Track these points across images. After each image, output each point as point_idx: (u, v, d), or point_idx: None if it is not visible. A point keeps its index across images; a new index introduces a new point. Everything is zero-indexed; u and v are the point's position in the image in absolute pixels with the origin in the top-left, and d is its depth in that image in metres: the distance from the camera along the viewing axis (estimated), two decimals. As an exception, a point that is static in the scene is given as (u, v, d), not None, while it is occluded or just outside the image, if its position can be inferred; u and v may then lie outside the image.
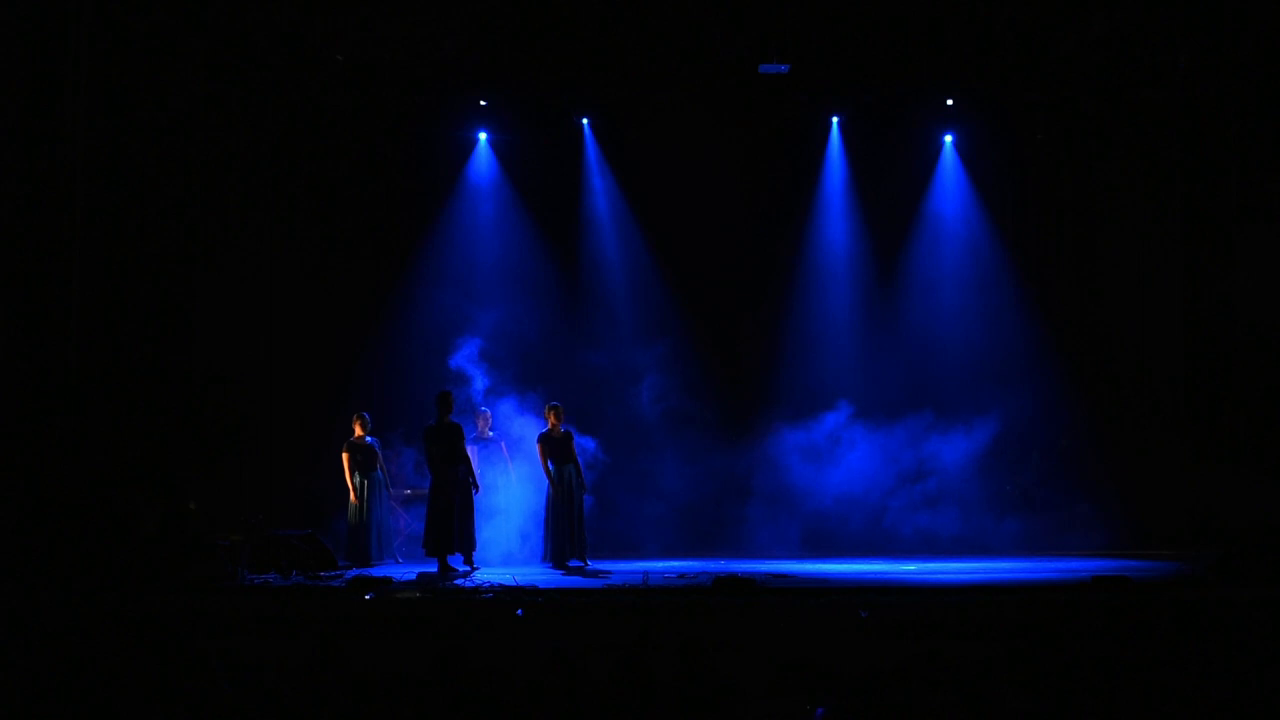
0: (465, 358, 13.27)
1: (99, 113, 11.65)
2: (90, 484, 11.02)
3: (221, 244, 13.57)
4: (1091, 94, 14.24)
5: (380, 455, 12.55)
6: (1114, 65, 13.75)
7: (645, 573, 11.38)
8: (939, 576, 11.02)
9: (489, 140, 14.97)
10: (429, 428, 11.65)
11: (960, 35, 13.30)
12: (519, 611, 8.82)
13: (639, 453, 13.93)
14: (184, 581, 10.00)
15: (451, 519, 11.42)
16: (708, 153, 14.32)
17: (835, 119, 15.02)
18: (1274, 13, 12.53)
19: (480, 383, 13.15)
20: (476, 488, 11.73)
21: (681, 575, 11.16)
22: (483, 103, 14.57)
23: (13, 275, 10.86)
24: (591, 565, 12.10)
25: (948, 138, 15.08)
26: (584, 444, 12.73)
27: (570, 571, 11.85)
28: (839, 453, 14.08)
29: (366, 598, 9.60)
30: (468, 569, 11.47)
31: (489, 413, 13.02)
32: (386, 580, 10.32)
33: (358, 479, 12.35)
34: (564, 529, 12.14)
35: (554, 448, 12.19)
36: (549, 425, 12.27)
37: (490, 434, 12.93)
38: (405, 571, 11.40)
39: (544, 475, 12.19)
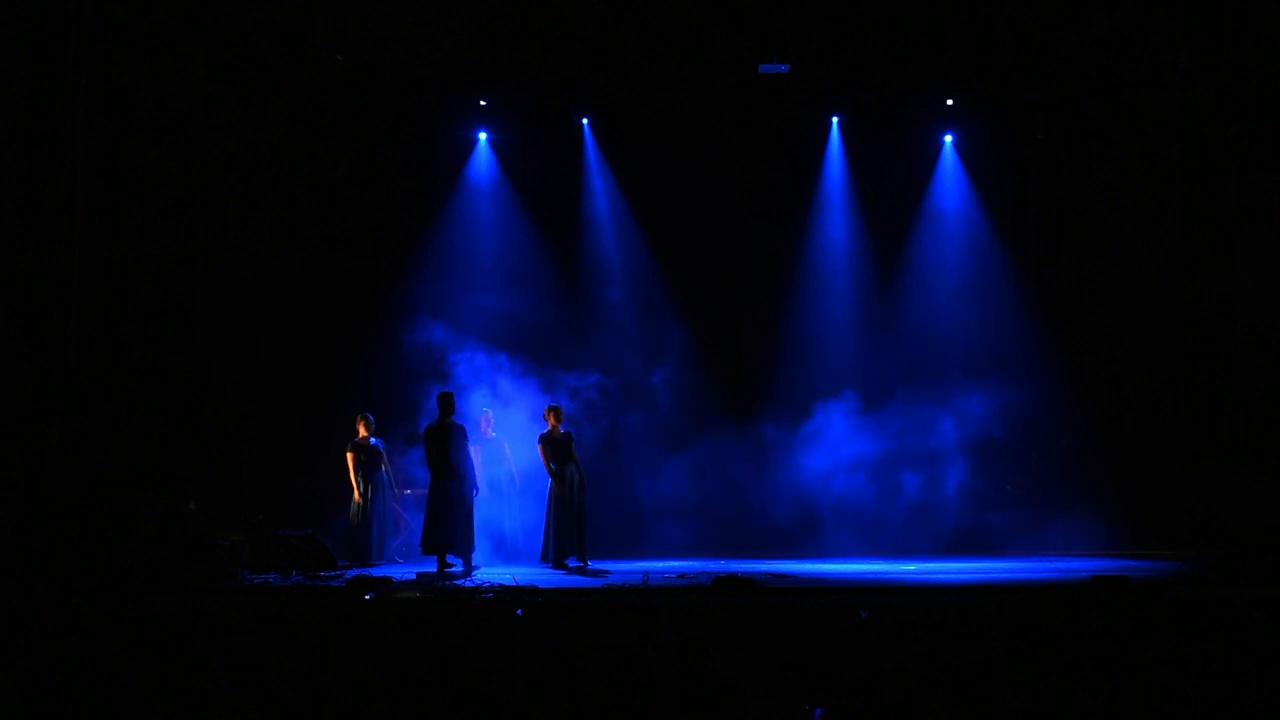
0: (464, 358, 13.28)
1: (99, 113, 11.65)
2: (90, 484, 11.02)
3: (221, 244, 13.57)
4: (1091, 94, 14.23)
5: (384, 456, 12.60)
6: (1114, 65, 13.75)
7: (645, 573, 11.39)
8: (939, 576, 11.02)
9: (489, 140, 14.96)
10: (430, 427, 11.67)
11: (960, 35, 13.29)
12: (519, 611, 8.82)
13: (639, 452, 13.92)
14: (184, 581, 10.01)
15: (450, 519, 11.43)
16: (708, 153, 14.31)
17: (835, 119, 15.01)
18: (1274, 13, 12.53)
19: (481, 382, 13.15)
20: (476, 489, 11.74)
21: (681, 575, 11.17)
22: (483, 103, 14.56)
23: (13, 275, 10.86)
24: (591, 565, 12.11)
25: (948, 138, 15.08)
26: (584, 443, 12.74)
27: (570, 571, 11.86)
28: (839, 452, 14.07)
29: (366, 598, 9.60)
30: (464, 569, 11.46)
31: (491, 413, 13.04)
32: (386, 580, 10.32)
33: (361, 479, 12.39)
34: (565, 529, 12.16)
35: (555, 448, 12.21)
36: (549, 426, 12.30)
37: (493, 434, 12.95)
38: (405, 571, 11.40)
39: (545, 475, 12.21)
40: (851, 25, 13.20)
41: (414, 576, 11.04)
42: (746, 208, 14.79)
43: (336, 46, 13.31)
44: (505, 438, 12.95)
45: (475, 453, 12.14)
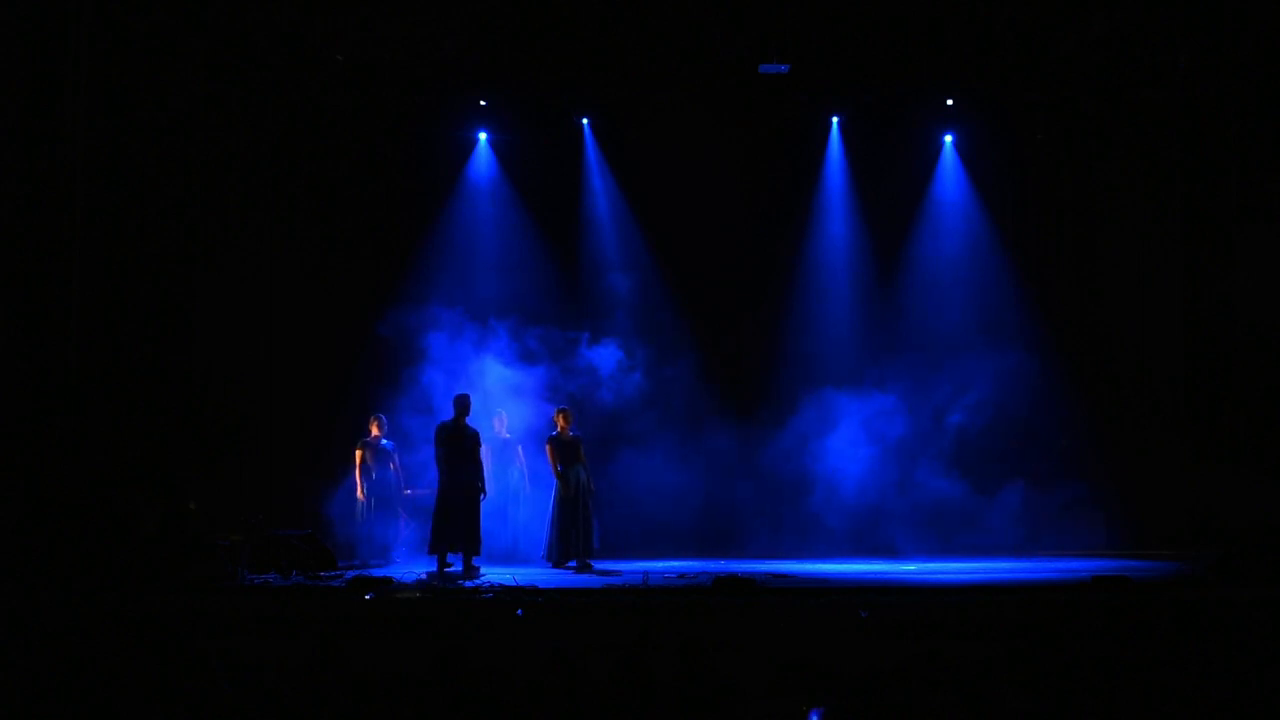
0: (464, 357, 13.28)
1: (99, 113, 11.64)
2: (90, 484, 11.02)
3: (221, 244, 13.57)
4: (1091, 94, 14.23)
5: (394, 457, 12.63)
6: (1114, 65, 13.75)
7: (645, 573, 11.39)
8: (939, 576, 11.02)
9: (489, 140, 14.96)
10: (443, 425, 11.63)
11: (960, 35, 13.29)
12: (519, 611, 8.82)
13: (638, 452, 13.91)
14: (184, 581, 10.00)
15: (455, 519, 11.40)
16: (708, 153, 14.31)
17: (835, 119, 15.01)
18: (1274, 13, 12.52)
19: (480, 383, 13.15)
20: (484, 493, 11.68)
21: (681, 575, 11.17)
22: (483, 103, 14.57)
23: (13, 275, 10.85)
24: (592, 565, 12.11)
25: (948, 138, 15.08)
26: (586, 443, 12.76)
27: (574, 570, 11.87)
28: (839, 453, 14.07)
29: (366, 598, 9.60)
30: (464, 569, 11.44)
31: (505, 413, 13.07)
32: (386, 580, 10.32)
33: (367, 479, 12.42)
34: (566, 530, 12.18)
35: (563, 450, 12.23)
36: (558, 428, 12.33)
37: (507, 435, 13.01)
38: (405, 571, 11.40)
39: (554, 476, 12.25)
40: (851, 25, 13.19)
41: (414, 578, 11.01)
42: (746, 208, 14.79)
43: (336, 46, 13.31)
44: (519, 439, 12.98)
45: (486, 452, 12.16)
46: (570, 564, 12.09)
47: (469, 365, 13.28)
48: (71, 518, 10.56)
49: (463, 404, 11.68)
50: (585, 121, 14.97)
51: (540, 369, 13.53)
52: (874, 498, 13.98)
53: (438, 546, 11.45)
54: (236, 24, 12.76)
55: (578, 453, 12.32)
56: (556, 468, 12.24)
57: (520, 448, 13.06)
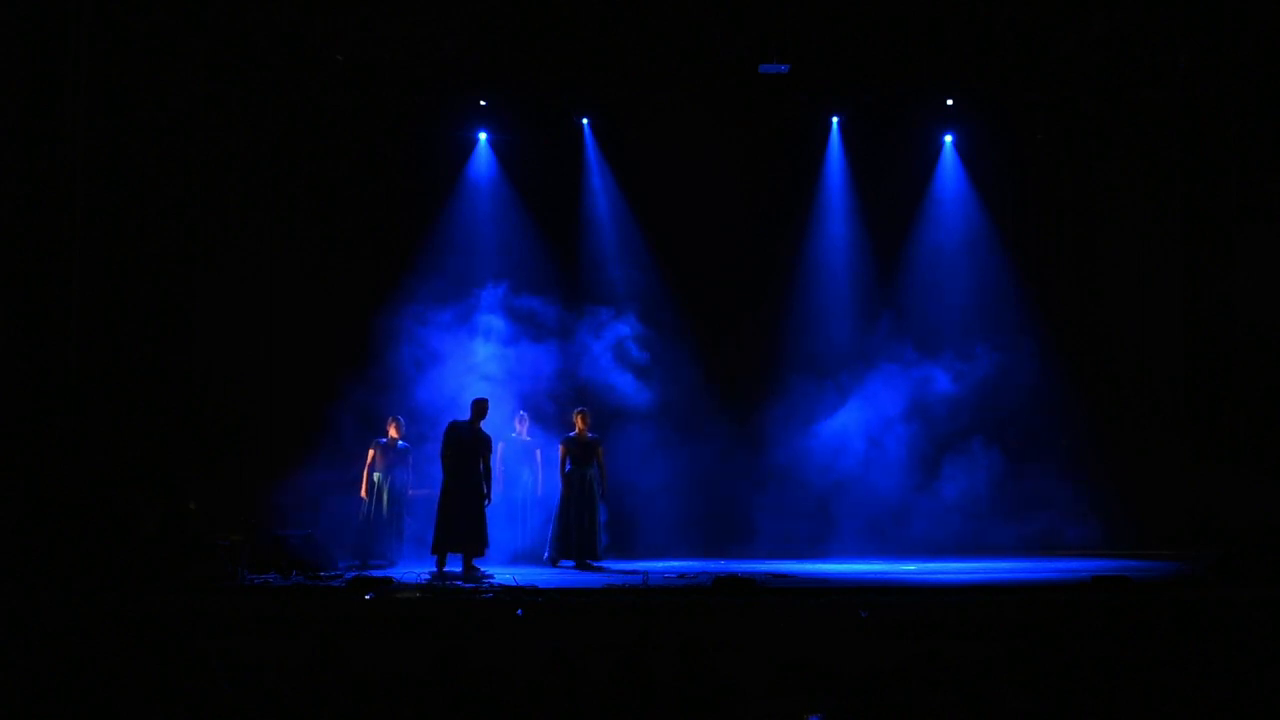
0: (464, 356, 13.28)
1: (99, 113, 11.64)
2: (90, 484, 11.02)
3: (221, 244, 13.57)
4: (1091, 94, 14.24)
5: (408, 460, 12.66)
6: (1114, 65, 13.75)
7: (645, 573, 11.38)
8: (939, 576, 11.02)
9: (489, 140, 14.97)
10: (454, 425, 11.54)
11: (960, 35, 13.30)
12: (519, 611, 8.82)
13: (638, 453, 13.91)
14: (184, 581, 9.99)
15: (457, 521, 11.35)
16: (708, 153, 14.31)
17: (835, 119, 15.02)
18: (1274, 13, 12.53)
19: (480, 382, 13.15)
20: (488, 499, 11.57)
21: (681, 575, 11.16)
22: (483, 103, 14.57)
23: (13, 275, 10.85)
24: (592, 565, 12.11)
25: (948, 138, 15.09)
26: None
27: (577, 568, 11.88)
28: (839, 453, 14.07)
29: (366, 598, 9.60)
30: (464, 570, 11.42)
31: (527, 416, 13.17)
32: (386, 580, 10.31)
33: (378, 478, 12.45)
34: (568, 529, 12.22)
35: (579, 450, 12.28)
36: (576, 429, 12.35)
37: (527, 438, 13.10)
38: (406, 571, 11.39)
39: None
40: (851, 25, 13.20)
41: (414, 578, 11.00)
42: (746, 208, 14.79)
43: (336, 46, 13.32)
44: (537, 443, 13.07)
45: (499, 452, 12.13)
46: (564, 563, 12.11)
47: (469, 365, 13.28)
48: (71, 518, 10.55)
49: (480, 408, 11.62)
50: (585, 121, 14.97)
51: (540, 368, 13.53)
52: (875, 498, 13.99)
53: (439, 547, 11.43)
54: (236, 24, 12.77)
55: (591, 454, 12.35)
56: (564, 468, 12.30)
57: (539, 451, 13.09)
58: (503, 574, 11.14)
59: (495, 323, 13.72)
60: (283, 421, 13.64)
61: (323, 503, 12.80)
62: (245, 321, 13.70)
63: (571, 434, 12.43)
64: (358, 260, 14.42)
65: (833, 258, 15.10)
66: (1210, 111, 13.61)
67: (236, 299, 13.61)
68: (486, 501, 11.53)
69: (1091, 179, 14.75)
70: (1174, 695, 5.61)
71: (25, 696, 5.72)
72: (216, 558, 10.46)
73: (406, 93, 14.18)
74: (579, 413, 12.50)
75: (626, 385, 13.98)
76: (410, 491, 13.07)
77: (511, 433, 13.04)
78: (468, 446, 11.42)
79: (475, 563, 11.46)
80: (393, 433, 12.69)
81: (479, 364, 13.40)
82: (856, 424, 14.14)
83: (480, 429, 11.56)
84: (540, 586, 10.08)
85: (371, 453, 12.60)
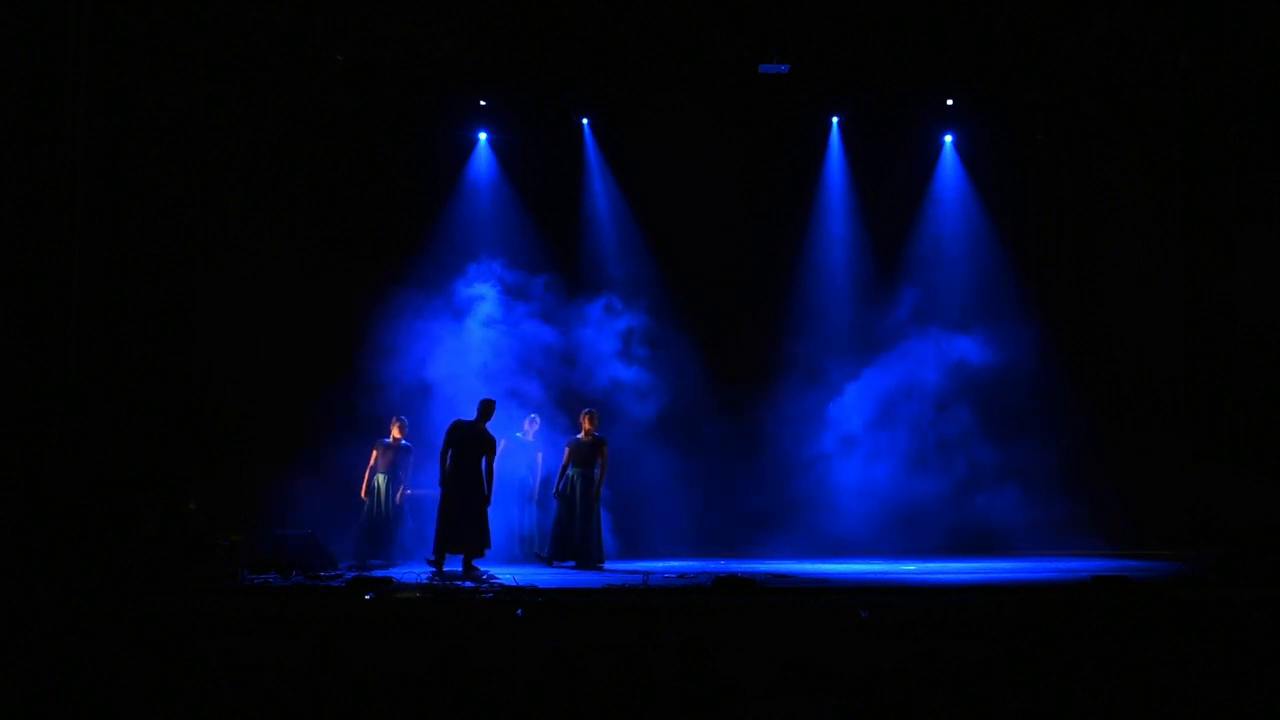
0: (463, 356, 13.28)
1: (99, 113, 11.64)
2: (90, 484, 11.01)
3: (221, 244, 13.56)
4: (1091, 94, 14.23)
5: (409, 460, 12.67)
6: (1114, 65, 13.75)
7: (645, 573, 11.38)
8: (939, 576, 11.02)
9: (489, 140, 14.97)
10: (458, 424, 11.50)
11: (960, 35, 13.29)
12: (519, 611, 8.82)
13: (638, 453, 13.92)
14: (184, 581, 9.99)
15: (457, 521, 11.33)
16: (708, 153, 14.30)
17: (835, 119, 15.02)
18: (1274, 13, 12.52)
19: (480, 381, 13.16)
20: (488, 500, 11.52)
21: (681, 575, 11.16)
22: (483, 103, 14.57)
23: (13, 275, 10.85)
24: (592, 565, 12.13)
25: (948, 138, 15.08)
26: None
27: (577, 568, 11.88)
28: (838, 453, 14.08)
29: (366, 598, 9.60)
30: (463, 570, 11.42)
31: (538, 419, 13.17)
32: (386, 580, 10.31)
33: (379, 478, 12.47)
34: (567, 528, 12.21)
35: (583, 450, 12.27)
36: (582, 430, 12.36)
37: (531, 439, 13.11)
38: (406, 571, 11.39)
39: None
40: (851, 25, 13.20)
41: (414, 578, 10.99)
42: (746, 208, 14.79)
43: (336, 46, 13.32)
44: (539, 447, 13.06)
45: (501, 445, 12.13)
46: (568, 563, 12.11)
47: (469, 365, 13.28)
48: (71, 518, 10.55)
49: (486, 409, 11.59)
50: (585, 121, 14.97)
51: (540, 369, 13.53)
52: (875, 497, 13.99)
53: (440, 547, 11.42)
54: (236, 24, 12.77)
55: (593, 455, 12.30)
56: (565, 468, 12.35)
57: (540, 454, 13.08)
58: (503, 574, 11.13)
59: (495, 323, 13.71)
60: (283, 421, 13.64)
61: (323, 502, 12.80)
62: (245, 321, 13.70)
63: (577, 435, 12.44)
64: (358, 260, 14.41)
65: (832, 258, 15.10)
66: (1210, 111, 13.61)
67: (236, 299, 13.60)
68: (487, 503, 11.53)
69: (1091, 179, 14.74)
70: (1174, 695, 5.61)
71: (25, 696, 5.72)
72: (216, 558, 10.46)
73: (406, 93, 14.17)
74: (586, 413, 12.51)
75: (627, 385, 13.99)
76: (410, 491, 13.08)
77: (517, 433, 13.01)
78: (468, 446, 11.40)
79: (477, 564, 11.47)
80: (395, 433, 12.70)
81: (479, 364, 13.39)
82: (856, 424, 14.14)
83: (484, 429, 11.54)
84: (540, 586, 10.08)
85: (374, 453, 12.61)
